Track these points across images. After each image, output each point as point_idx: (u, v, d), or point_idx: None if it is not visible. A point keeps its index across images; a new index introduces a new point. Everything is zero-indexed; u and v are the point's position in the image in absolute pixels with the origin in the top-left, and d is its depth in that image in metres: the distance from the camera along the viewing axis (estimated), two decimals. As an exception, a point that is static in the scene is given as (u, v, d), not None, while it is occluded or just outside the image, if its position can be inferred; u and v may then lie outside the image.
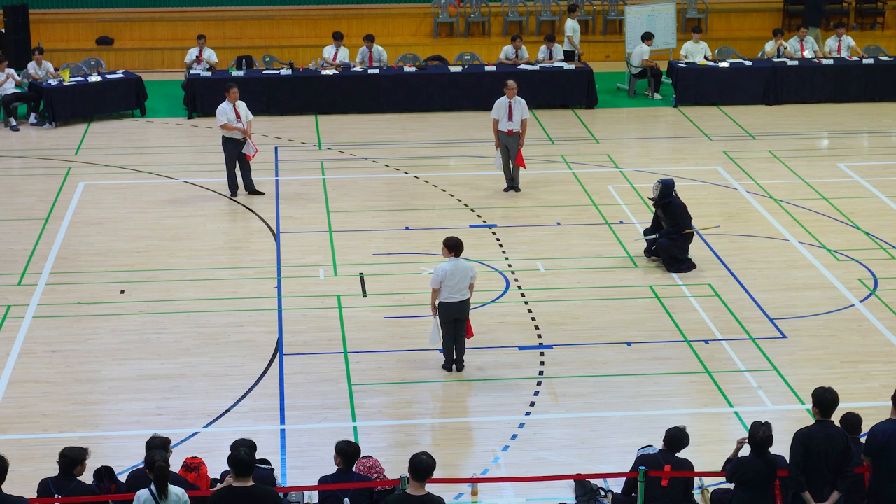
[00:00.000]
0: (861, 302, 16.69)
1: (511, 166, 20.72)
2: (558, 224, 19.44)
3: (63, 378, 14.62)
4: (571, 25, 27.23)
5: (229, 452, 10.26)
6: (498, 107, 20.51)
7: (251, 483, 9.90)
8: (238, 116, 20.23)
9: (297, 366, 14.95)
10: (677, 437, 11.22)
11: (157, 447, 10.71)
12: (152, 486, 10.15)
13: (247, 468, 9.86)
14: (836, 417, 10.85)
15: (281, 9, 30.42)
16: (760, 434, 10.65)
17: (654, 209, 17.78)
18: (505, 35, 29.98)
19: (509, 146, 20.51)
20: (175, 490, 10.19)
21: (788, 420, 13.44)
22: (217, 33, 29.53)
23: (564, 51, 26.93)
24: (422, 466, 9.95)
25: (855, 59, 26.96)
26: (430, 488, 11.99)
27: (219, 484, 11.02)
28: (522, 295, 16.92)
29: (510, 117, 20.40)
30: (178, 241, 18.82)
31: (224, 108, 20.26)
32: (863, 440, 11.12)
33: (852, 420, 10.93)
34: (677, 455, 11.30)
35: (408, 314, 16.27)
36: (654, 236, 17.66)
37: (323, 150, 23.30)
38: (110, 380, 14.62)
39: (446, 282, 14.29)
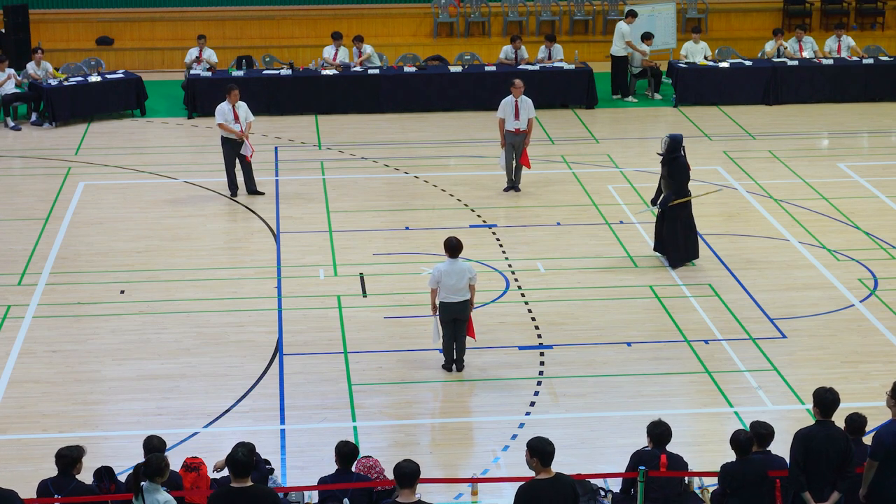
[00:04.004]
0: (861, 302, 16.69)
1: (514, 166, 20.72)
2: (558, 224, 19.44)
3: (63, 378, 14.62)
4: (629, 30, 26.60)
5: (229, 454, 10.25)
6: (504, 106, 20.52)
7: (250, 483, 9.89)
8: (237, 118, 20.24)
9: (297, 366, 14.95)
10: (664, 434, 11.14)
11: (156, 448, 10.68)
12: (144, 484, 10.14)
13: (244, 469, 9.85)
14: (840, 418, 10.82)
15: (281, 9, 30.42)
16: (742, 437, 10.64)
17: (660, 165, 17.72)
18: (505, 35, 29.97)
19: (515, 145, 20.52)
20: (159, 497, 10.10)
21: (788, 420, 13.44)
22: (217, 33, 29.53)
23: (617, 55, 26.67)
24: (405, 472, 9.90)
25: (855, 59, 26.97)
26: (431, 488, 12.02)
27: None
28: (522, 295, 16.92)
29: (516, 116, 20.41)
30: (178, 241, 18.82)
31: (223, 109, 20.28)
32: (865, 440, 11.10)
33: (857, 421, 10.89)
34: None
35: (408, 314, 16.28)
36: (657, 208, 17.57)
37: (323, 150, 23.30)
38: (110, 380, 14.62)
39: (443, 282, 14.30)
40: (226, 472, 10.66)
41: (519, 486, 9.98)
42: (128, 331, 15.82)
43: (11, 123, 24.48)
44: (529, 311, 16.42)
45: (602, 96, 26.62)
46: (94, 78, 25.39)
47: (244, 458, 9.87)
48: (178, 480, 10.76)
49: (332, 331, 15.85)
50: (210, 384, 14.50)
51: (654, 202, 17.94)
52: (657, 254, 17.90)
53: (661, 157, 17.62)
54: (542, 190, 20.97)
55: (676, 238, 17.56)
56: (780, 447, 11.11)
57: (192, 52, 26.33)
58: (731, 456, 10.72)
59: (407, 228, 19.27)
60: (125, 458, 12.45)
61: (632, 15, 26.79)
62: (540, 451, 9.93)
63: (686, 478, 11.37)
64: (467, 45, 29.67)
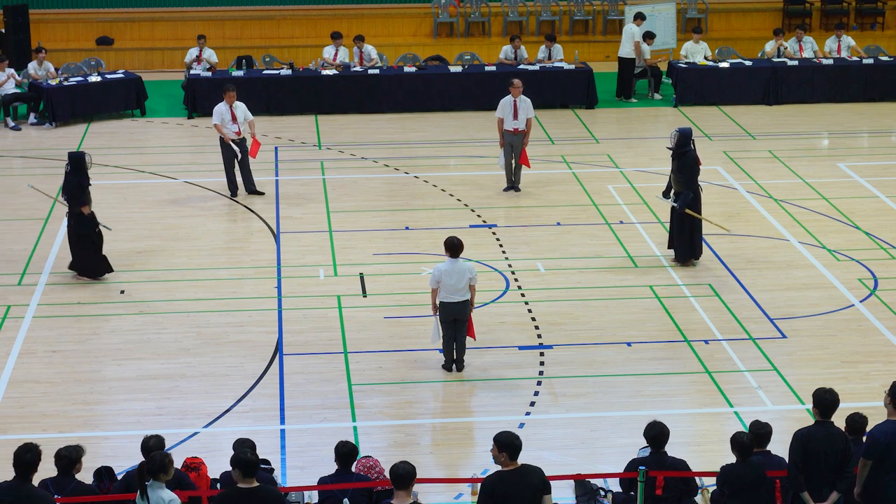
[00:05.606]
0: (861, 302, 16.69)
1: (513, 166, 20.72)
2: (558, 224, 19.44)
3: (63, 378, 14.63)
4: (639, 32, 26.56)
5: (232, 453, 10.24)
6: (503, 106, 20.51)
7: (256, 484, 9.88)
8: (234, 119, 20.24)
9: (297, 366, 14.95)
10: (659, 435, 11.08)
11: (153, 448, 10.66)
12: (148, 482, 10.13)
13: (252, 469, 9.84)
14: (840, 418, 10.82)
15: (281, 9, 30.43)
16: (744, 439, 10.63)
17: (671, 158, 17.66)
18: (505, 35, 29.98)
19: (513, 145, 20.51)
20: (164, 495, 10.09)
21: (788, 420, 13.44)
22: (217, 33, 29.54)
23: (625, 58, 26.66)
24: (399, 474, 9.89)
25: (855, 59, 26.97)
26: (431, 488, 12.03)
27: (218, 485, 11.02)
28: (522, 295, 16.92)
29: (515, 116, 20.41)
30: (178, 241, 18.82)
31: (220, 109, 20.29)
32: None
33: (857, 421, 10.89)
34: (667, 450, 11.18)
35: (408, 314, 16.28)
36: (672, 202, 17.51)
37: (323, 150, 23.30)
38: (110, 380, 14.62)
39: (443, 282, 14.30)
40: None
41: (485, 478, 9.95)
42: (128, 331, 15.82)
43: (11, 123, 24.49)
44: (529, 311, 16.43)
45: (602, 96, 26.61)
46: (94, 78, 25.39)
47: (252, 458, 9.87)
48: (186, 479, 10.72)
49: (332, 331, 15.85)
50: (210, 384, 14.50)
51: (665, 195, 17.90)
52: (670, 251, 17.87)
53: (670, 152, 17.58)
54: (542, 190, 20.97)
55: (683, 235, 17.57)
56: (780, 447, 11.11)
57: (192, 52, 26.34)
58: (730, 456, 10.72)
59: (407, 228, 19.28)
60: (125, 458, 12.46)
61: (640, 17, 26.78)
62: (509, 444, 9.86)
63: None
64: (467, 45, 29.67)
